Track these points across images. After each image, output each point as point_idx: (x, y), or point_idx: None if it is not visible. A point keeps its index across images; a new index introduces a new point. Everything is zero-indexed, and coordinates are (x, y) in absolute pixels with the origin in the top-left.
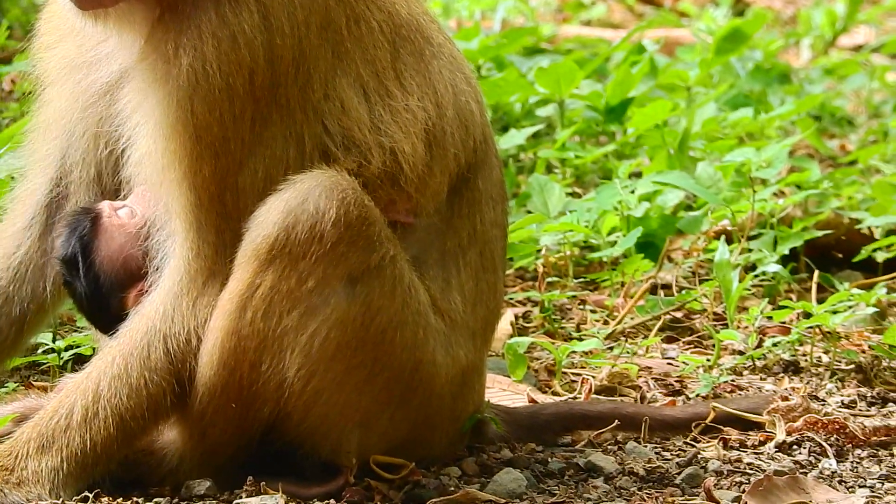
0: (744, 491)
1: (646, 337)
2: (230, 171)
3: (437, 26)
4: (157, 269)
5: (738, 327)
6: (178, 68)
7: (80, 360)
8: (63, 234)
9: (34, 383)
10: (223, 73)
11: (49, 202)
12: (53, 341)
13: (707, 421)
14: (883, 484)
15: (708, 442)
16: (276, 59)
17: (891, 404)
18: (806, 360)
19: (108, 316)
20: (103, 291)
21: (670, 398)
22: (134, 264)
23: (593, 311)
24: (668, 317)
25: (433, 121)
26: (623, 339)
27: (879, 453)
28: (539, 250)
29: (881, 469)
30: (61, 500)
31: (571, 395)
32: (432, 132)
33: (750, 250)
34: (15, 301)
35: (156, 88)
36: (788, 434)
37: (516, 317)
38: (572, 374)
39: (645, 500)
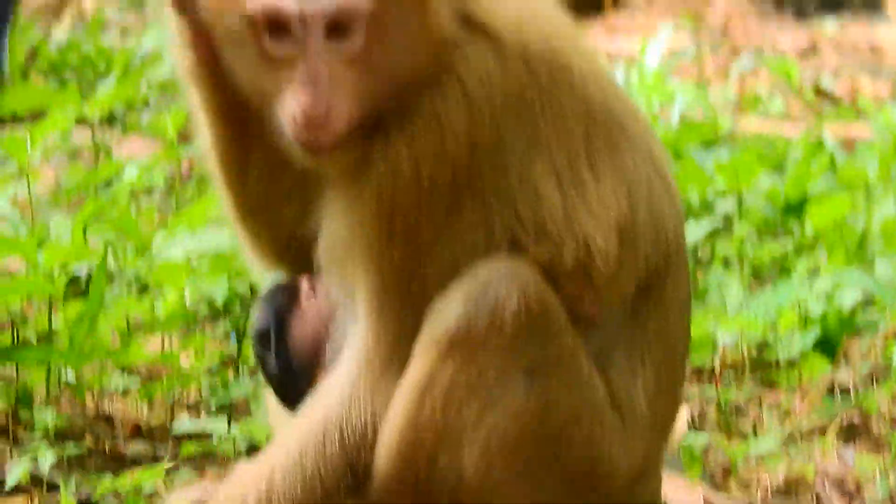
0: None
1: (822, 438)
2: (419, 258)
3: (635, 116)
4: (336, 353)
5: None
6: (385, 162)
7: (253, 448)
8: (260, 306)
9: (208, 470)
10: (428, 166)
11: None
12: (228, 429)
13: None
14: None
15: None
16: (476, 147)
17: None
18: None
19: (295, 393)
20: (293, 369)
21: (846, 501)
22: (326, 346)
23: (770, 410)
24: (845, 418)
25: (626, 216)
26: (799, 439)
27: None
28: (716, 347)
29: None
30: None
31: (747, 496)
32: (624, 227)
33: None
34: None
35: (356, 177)
36: None
37: (692, 414)
38: (748, 473)
39: None
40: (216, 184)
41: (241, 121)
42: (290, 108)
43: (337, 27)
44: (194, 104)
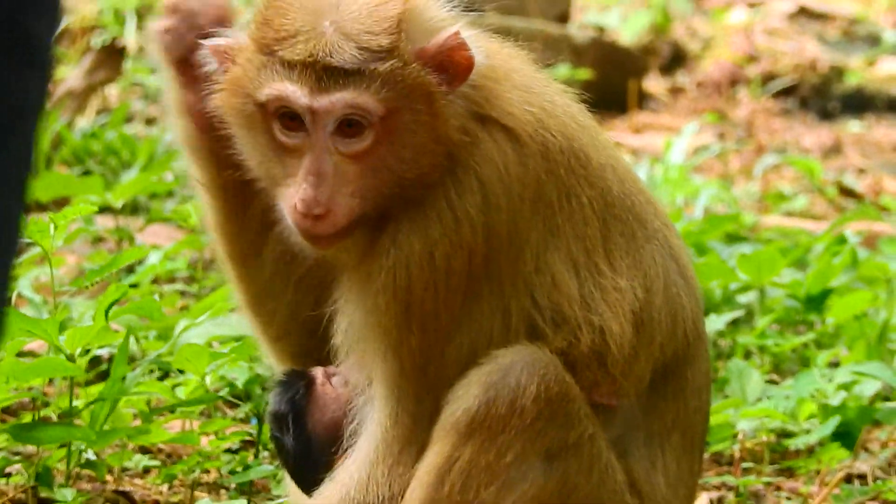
0: None
1: None
2: (437, 343)
3: (655, 209)
4: (353, 435)
5: None
6: (397, 250)
7: None
8: (276, 391)
9: None
10: (444, 255)
11: None
12: None
13: None
14: None
15: None
16: (492, 235)
17: None
18: None
19: (311, 476)
20: (311, 455)
21: None
22: (344, 431)
23: (788, 498)
24: None
25: (641, 304)
26: None
27: None
28: (735, 435)
29: None
30: None
31: None
32: (640, 316)
33: None
34: None
35: (369, 265)
36: None
37: (711, 501)
38: None
39: None
40: (224, 268)
41: (242, 198)
42: (293, 197)
43: (347, 124)
44: (193, 176)
